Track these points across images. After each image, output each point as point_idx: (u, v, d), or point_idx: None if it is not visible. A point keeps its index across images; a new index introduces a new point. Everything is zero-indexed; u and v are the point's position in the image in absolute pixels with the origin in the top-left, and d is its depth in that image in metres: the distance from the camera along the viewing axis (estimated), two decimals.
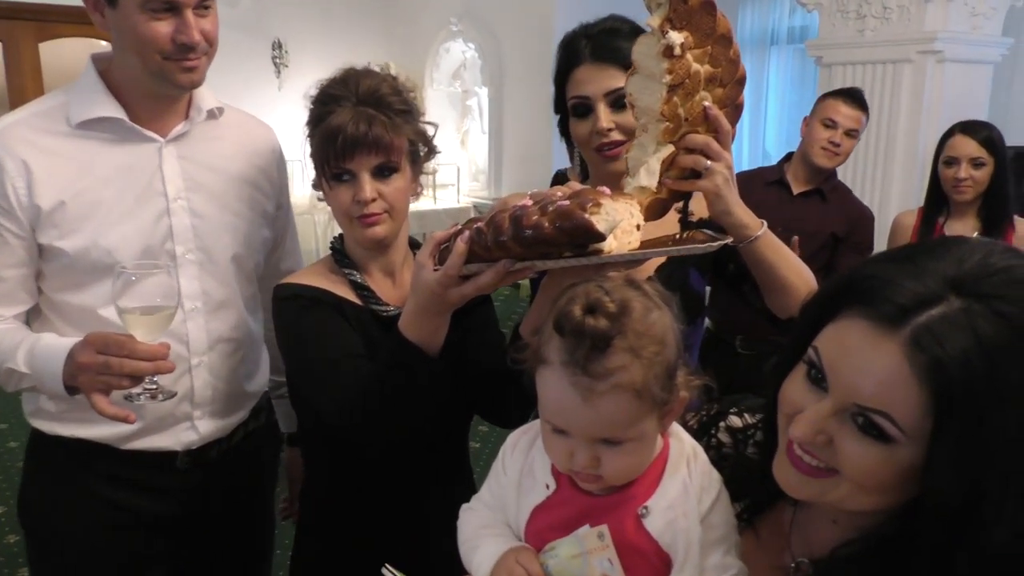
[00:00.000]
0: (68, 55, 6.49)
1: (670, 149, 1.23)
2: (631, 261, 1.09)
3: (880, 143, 4.33)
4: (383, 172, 1.34)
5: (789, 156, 3.05)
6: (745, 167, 4.23)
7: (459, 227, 1.15)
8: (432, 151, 1.46)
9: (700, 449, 0.95)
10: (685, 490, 0.90)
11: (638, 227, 1.12)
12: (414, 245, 1.52)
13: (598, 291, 0.87)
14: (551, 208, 1.03)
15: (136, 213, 1.46)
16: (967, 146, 2.82)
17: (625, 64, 1.42)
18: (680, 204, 1.57)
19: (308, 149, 1.38)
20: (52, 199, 1.40)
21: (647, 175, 1.24)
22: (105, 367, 1.26)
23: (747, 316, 1.59)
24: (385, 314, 1.39)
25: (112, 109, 1.44)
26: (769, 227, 1.34)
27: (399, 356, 1.23)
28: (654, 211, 1.26)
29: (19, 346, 1.40)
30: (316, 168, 1.38)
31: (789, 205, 2.91)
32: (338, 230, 1.48)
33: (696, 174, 1.25)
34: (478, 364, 1.38)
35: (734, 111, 1.26)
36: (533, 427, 1.01)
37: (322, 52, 7.50)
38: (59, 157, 1.42)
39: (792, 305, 1.37)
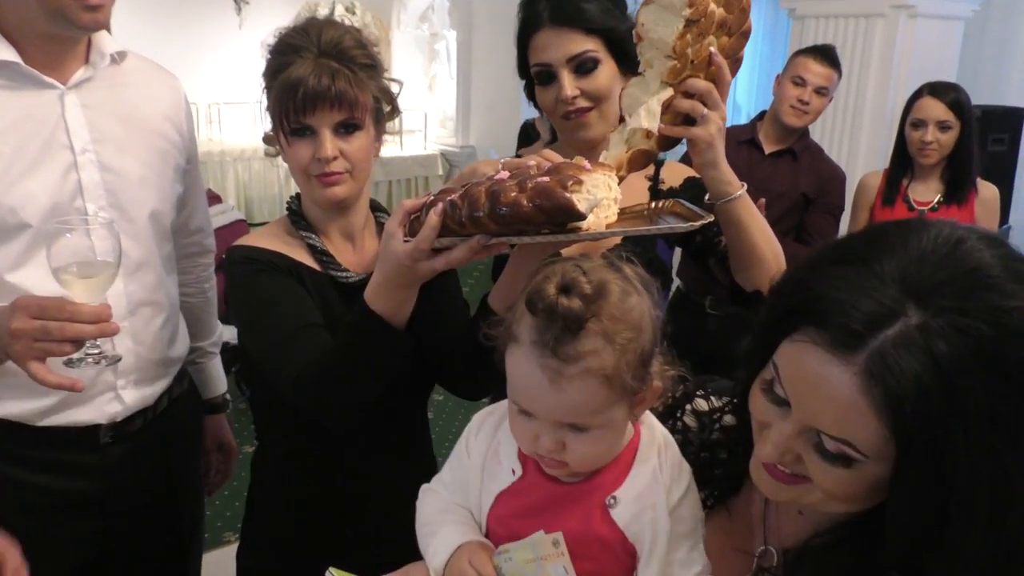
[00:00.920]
0: None
1: (669, 92, 1.20)
2: (609, 238, 1.05)
3: (849, 100, 4.31)
4: (346, 129, 1.28)
5: (763, 115, 3.02)
6: None
7: (431, 196, 1.10)
8: (396, 110, 1.39)
9: (672, 439, 0.93)
10: (655, 481, 0.87)
11: (615, 200, 1.09)
12: (375, 208, 1.46)
13: (575, 270, 0.83)
14: (530, 185, 0.99)
15: (40, 167, 1.32)
16: (935, 108, 2.80)
17: (587, 27, 1.37)
18: (651, 171, 1.54)
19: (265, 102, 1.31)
20: None
21: (648, 116, 1.21)
22: (43, 332, 1.16)
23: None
24: (345, 280, 1.34)
25: (5, 52, 1.28)
26: None
27: (363, 328, 1.19)
28: (638, 163, 1.23)
29: None
30: (273, 121, 1.31)
31: (760, 164, 2.89)
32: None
33: (690, 121, 1.21)
34: (443, 336, 1.34)
35: (734, 64, 1.22)
36: (499, 408, 0.97)
37: None
38: None
39: (758, 277, 1.35)
